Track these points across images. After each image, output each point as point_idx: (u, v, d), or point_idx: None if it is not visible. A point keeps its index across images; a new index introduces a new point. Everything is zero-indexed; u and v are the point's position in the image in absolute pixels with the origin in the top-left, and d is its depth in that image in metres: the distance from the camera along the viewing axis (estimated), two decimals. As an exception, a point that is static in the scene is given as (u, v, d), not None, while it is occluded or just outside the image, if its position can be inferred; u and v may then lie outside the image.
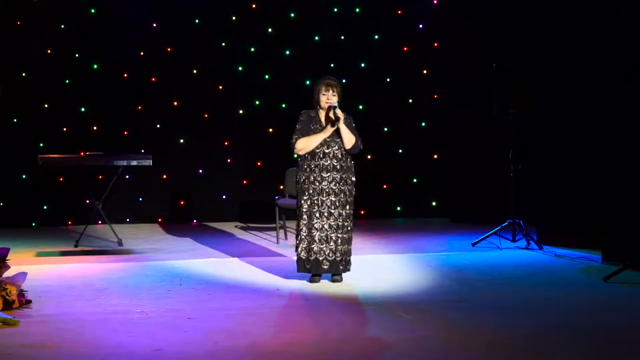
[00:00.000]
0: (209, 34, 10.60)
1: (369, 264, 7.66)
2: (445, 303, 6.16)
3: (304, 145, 6.74)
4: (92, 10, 10.40)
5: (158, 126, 10.57)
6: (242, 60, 10.73)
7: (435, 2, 10.96)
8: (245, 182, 10.82)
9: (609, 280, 6.83)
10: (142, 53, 10.51)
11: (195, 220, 10.76)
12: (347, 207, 6.79)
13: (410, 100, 11.07)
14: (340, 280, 6.84)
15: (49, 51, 10.31)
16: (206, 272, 7.34)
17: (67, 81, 10.37)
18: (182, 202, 10.78)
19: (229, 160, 10.78)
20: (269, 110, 10.74)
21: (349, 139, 6.73)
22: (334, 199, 6.74)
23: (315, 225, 6.72)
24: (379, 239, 9.34)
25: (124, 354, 4.85)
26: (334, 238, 6.73)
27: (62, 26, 10.35)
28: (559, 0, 8.58)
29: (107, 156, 8.73)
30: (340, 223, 6.75)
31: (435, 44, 11.00)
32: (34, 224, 10.32)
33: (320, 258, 6.73)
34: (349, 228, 6.81)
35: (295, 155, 6.95)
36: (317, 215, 6.72)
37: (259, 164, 10.81)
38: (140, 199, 10.63)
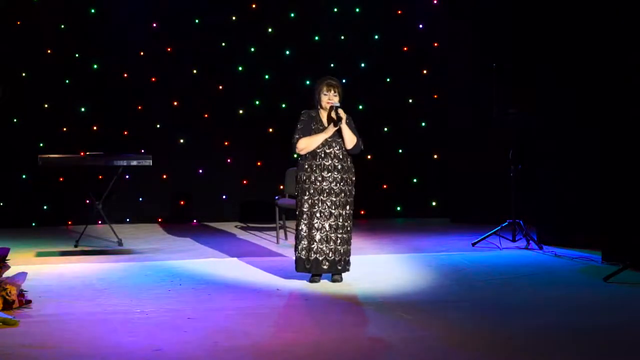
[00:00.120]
0: (209, 34, 10.60)
1: (369, 264, 7.66)
2: (445, 303, 6.16)
3: (306, 145, 6.74)
4: (92, 10, 10.40)
5: (158, 126, 10.57)
6: (242, 60, 10.72)
7: (435, 2, 10.96)
8: (245, 182, 10.82)
9: (609, 280, 6.83)
10: (142, 53, 10.50)
11: (195, 220, 10.76)
12: (348, 207, 6.79)
13: (410, 100, 11.07)
14: (340, 280, 6.84)
15: (49, 51, 10.31)
16: (206, 272, 7.34)
17: (67, 81, 10.37)
18: (182, 202, 10.78)
19: (229, 160, 10.78)
20: (269, 110, 10.74)
21: (350, 139, 6.74)
22: (334, 199, 6.74)
23: (316, 225, 6.72)
24: (379, 239, 9.34)
25: (124, 354, 4.85)
26: (334, 238, 6.74)
27: (62, 26, 10.34)
28: (559, 0, 8.58)
29: (107, 156, 8.73)
30: (340, 223, 6.75)
31: (435, 44, 11.00)
32: (34, 224, 10.32)
33: (320, 258, 6.73)
34: (348, 228, 6.81)
35: (296, 155, 6.95)
36: (318, 215, 6.72)
37: (259, 164, 10.81)
38: (140, 199, 10.63)
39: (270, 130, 10.73)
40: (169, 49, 10.56)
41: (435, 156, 11.08)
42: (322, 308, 6.04)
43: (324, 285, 6.74)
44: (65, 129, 10.34)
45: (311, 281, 6.82)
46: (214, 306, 6.03)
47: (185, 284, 6.84)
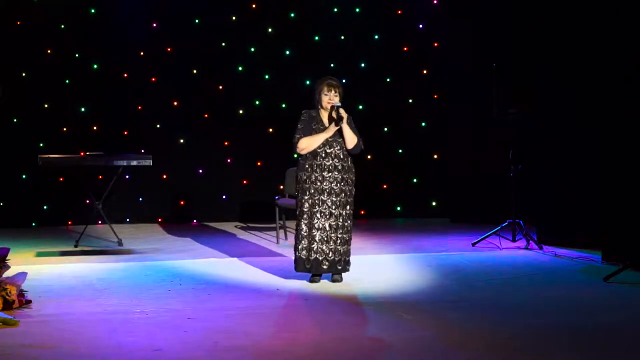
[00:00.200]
0: (209, 34, 10.60)
1: (369, 264, 7.66)
2: (444, 303, 6.16)
3: (306, 144, 6.74)
4: (92, 10, 10.40)
5: (158, 126, 10.57)
6: (242, 60, 10.73)
7: (435, 2, 10.96)
8: (245, 182, 10.82)
9: (609, 280, 6.83)
10: (142, 53, 10.51)
11: (195, 220, 10.76)
12: (348, 207, 6.79)
13: (410, 100, 11.07)
14: (340, 280, 6.84)
15: (49, 51, 10.31)
16: (206, 272, 7.34)
17: (67, 81, 10.37)
18: (182, 202, 10.78)
19: (229, 160, 10.78)
20: (269, 110, 10.74)
21: (351, 139, 6.74)
22: (334, 198, 6.74)
23: (316, 225, 6.72)
24: (379, 239, 9.34)
25: (124, 354, 4.85)
26: (334, 238, 6.74)
27: (62, 26, 10.34)
28: (559, 0, 8.58)
29: (107, 156, 8.73)
30: (340, 223, 6.76)
31: (435, 44, 11.00)
32: (34, 224, 10.32)
33: (320, 258, 6.73)
34: (349, 228, 6.81)
35: (296, 155, 6.95)
36: (318, 215, 6.72)
37: (259, 164, 10.81)
38: (140, 199, 10.63)
39: (270, 130, 10.73)
40: (169, 49, 10.56)
41: (435, 156, 11.08)
42: (322, 308, 6.04)
43: (324, 285, 6.74)
44: (65, 129, 10.34)
45: (311, 281, 6.82)
46: (214, 306, 6.03)
47: (185, 284, 6.84)
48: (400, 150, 11.08)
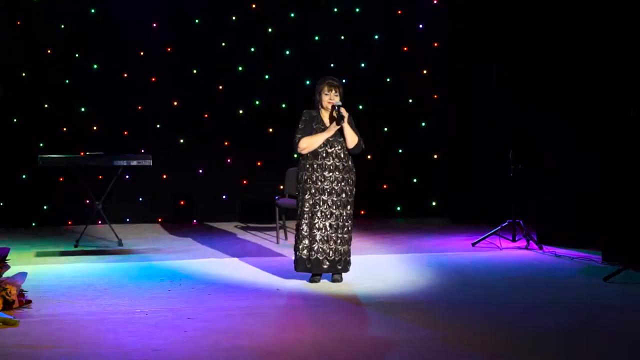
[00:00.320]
0: (209, 34, 10.60)
1: (369, 264, 7.66)
2: (445, 303, 6.16)
3: (307, 144, 6.74)
4: (92, 10, 10.40)
5: (158, 126, 10.57)
6: (242, 60, 10.72)
7: (435, 2, 10.96)
8: (245, 182, 10.81)
9: (609, 280, 6.83)
10: (142, 53, 10.51)
11: (195, 220, 10.76)
12: (348, 207, 6.79)
13: (410, 100, 11.07)
14: (340, 280, 6.84)
15: (49, 51, 10.31)
16: (206, 272, 7.34)
17: (67, 81, 10.38)
18: (182, 202, 10.78)
19: (229, 160, 10.77)
20: (269, 110, 10.74)
21: (352, 139, 6.74)
22: (335, 198, 6.74)
23: (317, 225, 6.71)
24: (379, 239, 9.34)
25: (124, 354, 4.85)
26: (334, 238, 6.74)
27: (62, 26, 10.34)
28: (559, 0, 8.58)
29: (107, 156, 8.73)
30: (340, 223, 6.75)
31: (435, 44, 11.00)
32: (34, 224, 10.32)
33: (321, 258, 6.73)
34: (349, 228, 6.81)
35: (297, 155, 6.95)
36: (319, 215, 6.72)
37: (259, 164, 10.81)
38: (140, 199, 10.63)
39: (270, 130, 10.72)
40: (169, 49, 10.56)
41: (435, 156, 11.08)
42: (322, 308, 6.04)
43: (324, 285, 6.74)
44: (65, 129, 10.34)
45: (311, 281, 6.82)
46: (214, 306, 6.03)
47: (185, 284, 6.84)
48: (400, 150, 11.08)
